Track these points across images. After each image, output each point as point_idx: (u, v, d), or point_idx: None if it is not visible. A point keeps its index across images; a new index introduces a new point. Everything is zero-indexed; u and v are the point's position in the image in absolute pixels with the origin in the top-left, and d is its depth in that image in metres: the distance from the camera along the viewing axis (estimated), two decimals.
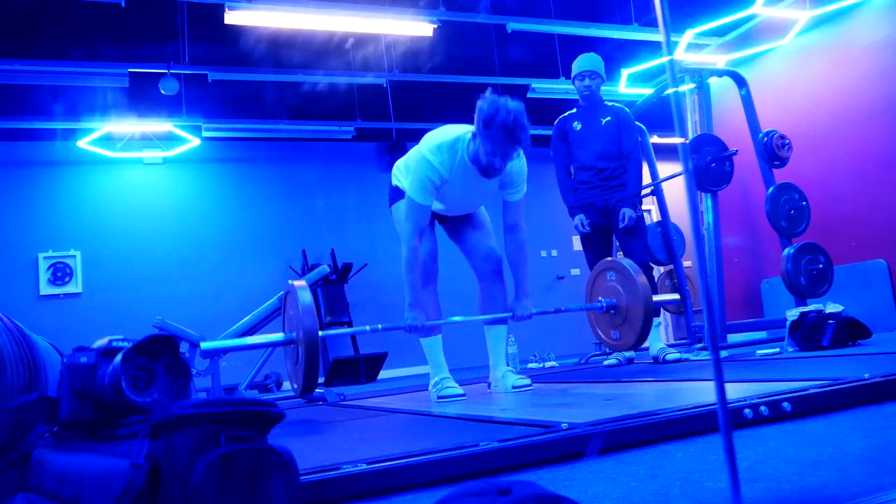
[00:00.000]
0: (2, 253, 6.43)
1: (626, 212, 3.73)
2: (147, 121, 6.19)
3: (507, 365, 2.74)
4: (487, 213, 2.82)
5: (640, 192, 3.90)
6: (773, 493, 0.86)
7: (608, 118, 3.84)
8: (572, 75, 3.94)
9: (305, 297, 2.11)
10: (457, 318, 2.68)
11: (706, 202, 4.41)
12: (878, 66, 4.95)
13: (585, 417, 1.42)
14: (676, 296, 3.88)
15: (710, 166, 4.23)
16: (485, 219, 2.76)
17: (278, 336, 2.29)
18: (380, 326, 2.48)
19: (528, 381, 2.58)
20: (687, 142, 4.04)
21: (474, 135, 2.40)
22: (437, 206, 2.65)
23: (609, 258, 2.81)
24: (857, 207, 5.06)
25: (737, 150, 4.23)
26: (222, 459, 0.80)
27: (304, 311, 2.07)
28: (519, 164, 2.54)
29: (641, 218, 3.86)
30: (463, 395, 2.51)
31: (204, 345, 2.33)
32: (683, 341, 6.22)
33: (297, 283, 2.19)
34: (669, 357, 3.62)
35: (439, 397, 2.52)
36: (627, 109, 3.95)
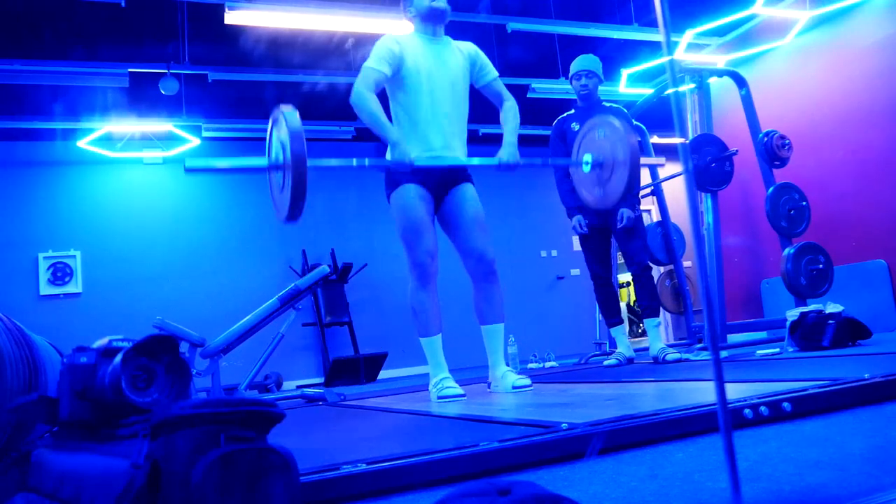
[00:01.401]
0: (2, 253, 6.43)
1: (625, 212, 3.73)
2: (147, 121, 6.19)
3: (507, 365, 2.73)
4: (483, 208, 2.72)
5: (639, 193, 3.90)
6: (773, 494, 0.86)
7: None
8: (569, 75, 3.94)
9: (294, 120, 2.06)
10: None
11: (706, 202, 4.42)
12: (878, 66, 4.95)
13: (585, 417, 1.42)
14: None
15: (710, 166, 4.23)
16: (479, 213, 2.68)
17: (263, 160, 2.25)
18: (367, 161, 2.46)
19: (528, 382, 2.57)
20: (687, 142, 4.04)
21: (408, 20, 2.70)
22: (419, 100, 2.57)
23: (597, 117, 2.64)
24: (857, 207, 5.06)
25: (737, 151, 4.23)
26: (222, 459, 0.80)
27: (292, 136, 2.02)
28: (467, 44, 2.75)
29: (640, 218, 3.86)
30: (463, 395, 2.50)
31: None
32: (683, 341, 6.22)
33: (284, 107, 2.12)
34: (669, 357, 3.62)
35: (439, 397, 2.52)
36: (625, 110, 3.96)
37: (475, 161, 2.60)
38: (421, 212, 2.58)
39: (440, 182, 2.66)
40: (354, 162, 2.42)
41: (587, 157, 2.61)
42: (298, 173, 2.01)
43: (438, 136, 2.60)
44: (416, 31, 2.71)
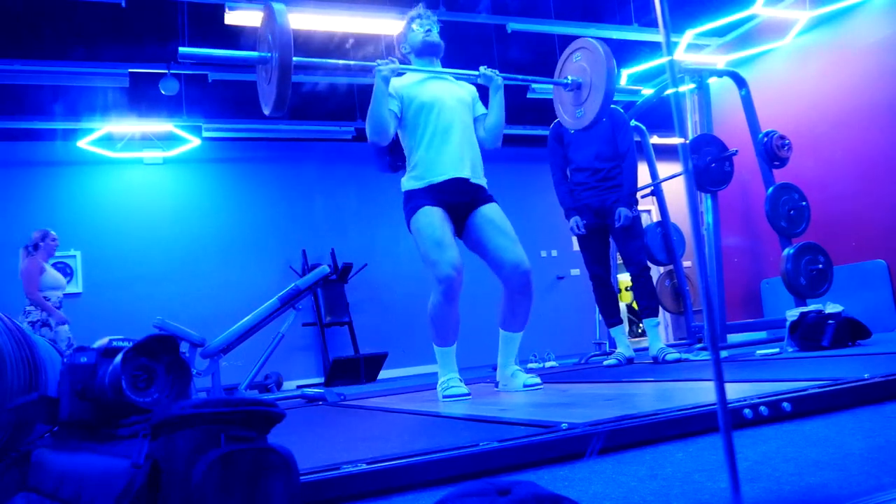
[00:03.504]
0: (2, 253, 6.43)
1: (622, 211, 3.73)
2: (147, 121, 6.19)
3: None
4: (510, 222, 2.69)
5: (636, 192, 3.89)
6: (773, 494, 0.86)
7: (603, 119, 3.85)
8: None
9: (282, 16, 2.15)
10: None
11: (706, 202, 4.42)
12: (878, 67, 4.95)
13: (585, 417, 1.42)
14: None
15: (710, 166, 4.23)
16: (508, 226, 2.63)
17: (253, 53, 2.33)
18: (353, 63, 2.62)
19: (538, 380, 2.58)
20: (687, 142, 4.04)
21: (403, 57, 2.75)
22: (427, 122, 2.59)
23: (581, 40, 2.74)
24: (856, 207, 5.06)
25: (737, 151, 4.23)
26: (222, 459, 0.80)
27: (279, 30, 2.13)
28: (468, 84, 2.80)
29: (638, 218, 3.86)
30: (468, 394, 2.51)
31: None
32: (683, 341, 6.22)
33: (275, 4, 2.21)
34: (669, 357, 3.62)
35: (444, 396, 2.53)
36: (622, 110, 3.96)
37: (456, 72, 2.68)
38: (443, 228, 2.51)
39: (461, 203, 2.60)
40: (342, 62, 2.59)
41: (569, 78, 2.72)
42: (284, 64, 2.12)
43: (451, 156, 2.58)
44: (410, 51, 2.75)
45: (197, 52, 2.30)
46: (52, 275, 4.88)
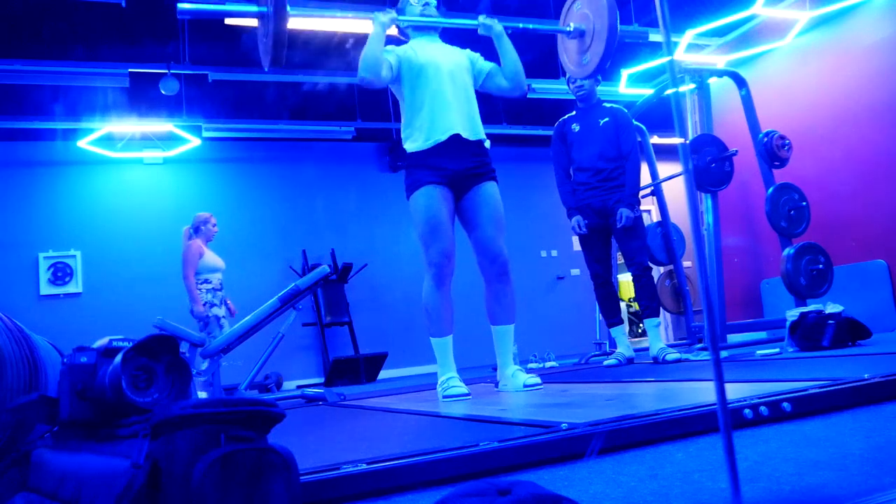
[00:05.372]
0: (2, 253, 6.44)
1: (624, 212, 3.73)
2: (147, 121, 6.19)
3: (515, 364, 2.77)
4: (503, 209, 2.73)
5: (639, 193, 3.89)
6: (773, 494, 0.86)
7: (606, 119, 3.85)
8: (566, 78, 3.94)
9: None
10: None
11: (706, 202, 4.42)
12: (878, 67, 4.96)
13: (585, 417, 1.42)
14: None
15: (710, 167, 4.23)
16: (498, 213, 2.68)
17: (252, 7, 2.38)
18: (351, 14, 2.72)
19: (538, 380, 2.59)
20: (687, 142, 4.04)
21: (402, 33, 2.85)
22: (426, 85, 2.64)
23: None
24: (857, 208, 5.06)
25: (737, 151, 4.23)
26: (222, 459, 0.80)
27: None
28: (464, 50, 2.85)
29: (640, 218, 3.86)
30: (468, 394, 2.51)
31: None
32: (683, 341, 6.22)
33: None
34: (669, 357, 3.62)
35: (444, 397, 2.53)
36: (626, 110, 3.95)
37: (456, 21, 2.75)
38: (441, 212, 2.58)
39: (463, 177, 2.64)
40: (339, 14, 2.70)
41: (571, 25, 2.74)
42: (280, 18, 2.19)
43: (449, 116, 2.62)
44: (410, 23, 2.81)
45: (198, 9, 2.35)
46: (212, 257, 4.97)
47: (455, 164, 2.62)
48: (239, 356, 4.02)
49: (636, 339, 10.47)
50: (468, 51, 2.86)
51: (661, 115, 6.15)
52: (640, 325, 11.10)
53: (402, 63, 2.67)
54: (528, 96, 6.19)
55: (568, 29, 2.74)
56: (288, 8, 2.20)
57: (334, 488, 1.07)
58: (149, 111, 6.12)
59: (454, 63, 2.73)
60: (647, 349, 3.94)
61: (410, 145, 2.67)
